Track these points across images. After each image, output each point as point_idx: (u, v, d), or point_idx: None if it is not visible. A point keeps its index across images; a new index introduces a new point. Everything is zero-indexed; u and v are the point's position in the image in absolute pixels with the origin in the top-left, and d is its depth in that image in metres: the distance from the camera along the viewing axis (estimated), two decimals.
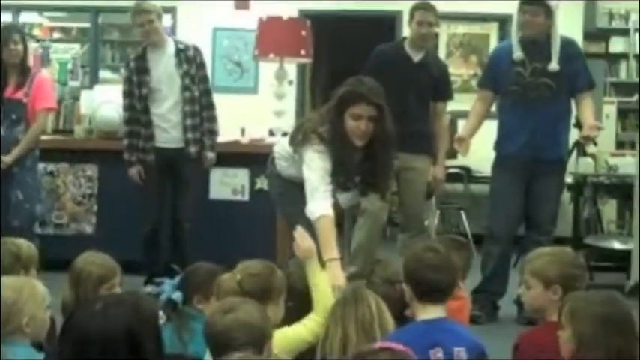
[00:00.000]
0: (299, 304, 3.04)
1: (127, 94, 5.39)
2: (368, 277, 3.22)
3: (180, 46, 5.38)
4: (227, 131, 5.85)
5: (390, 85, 4.21)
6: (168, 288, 3.15)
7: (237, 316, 2.33)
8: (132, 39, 8.81)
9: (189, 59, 5.35)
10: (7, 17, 8.81)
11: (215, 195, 5.94)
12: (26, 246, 3.40)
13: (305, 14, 7.74)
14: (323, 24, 7.38)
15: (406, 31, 5.51)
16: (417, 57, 5.20)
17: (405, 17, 5.72)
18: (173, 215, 5.40)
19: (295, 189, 3.76)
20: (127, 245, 4.80)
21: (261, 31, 6.28)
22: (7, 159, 5.20)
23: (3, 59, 5.15)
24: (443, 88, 5.29)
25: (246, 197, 5.80)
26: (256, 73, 8.08)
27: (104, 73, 8.44)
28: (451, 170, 6.87)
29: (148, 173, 5.37)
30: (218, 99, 5.60)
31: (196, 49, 5.43)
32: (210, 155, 5.39)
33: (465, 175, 7.61)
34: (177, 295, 3.10)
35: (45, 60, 8.42)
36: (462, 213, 7.38)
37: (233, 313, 2.34)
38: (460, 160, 6.87)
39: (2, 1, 8.26)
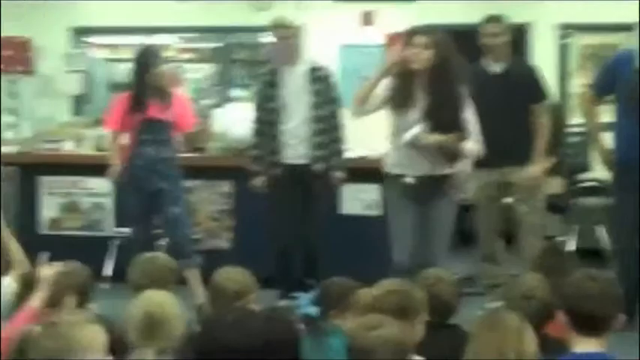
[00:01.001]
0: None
1: (257, 107, 5.55)
2: (506, 293, 3.21)
3: (313, 65, 5.50)
4: (356, 147, 5.92)
5: (476, 103, 4.40)
6: (304, 303, 3.22)
7: (381, 334, 2.36)
8: (260, 58, 9.07)
9: (320, 78, 5.46)
10: (140, 39, 9.22)
11: (346, 210, 6.03)
12: (168, 260, 3.58)
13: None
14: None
15: (536, 44, 5.48)
16: (497, 69, 5.23)
17: (534, 30, 5.69)
18: (304, 230, 5.49)
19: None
20: (261, 260, 4.94)
21: (388, 46, 6.33)
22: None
23: (147, 81, 5.25)
24: (533, 91, 5.27)
25: (378, 211, 5.85)
26: None
27: (235, 92, 8.65)
28: (587, 184, 6.71)
29: (276, 188, 5.48)
30: (348, 115, 5.66)
31: (328, 70, 5.54)
32: (339, 175, 5.48)
33: (602, 187, 7.36)
34: (313, 310, 3.17)
35: (175, 81, 8.70)
36: (600, 228, 7.11)
37: (377, 331, 2.37)
38: (596, 173, 6.70)
39: (137, 25, 8.69)
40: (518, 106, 5.26)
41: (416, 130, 4.43)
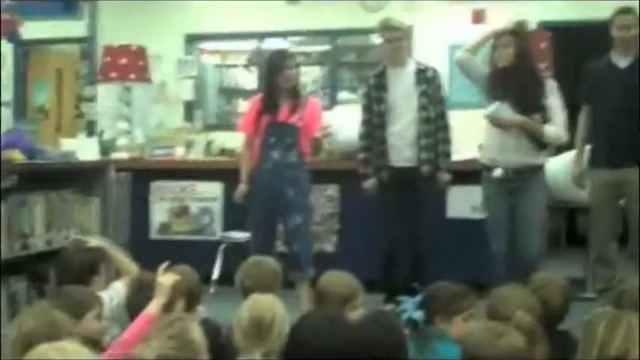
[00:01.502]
0: None
1: (365, 109, 5.53)
2: (617, 302, 3.07)
3: (420, 67, 5.46)
4: (464, 148, 5.82)
5: (600, 98, 4.42)
6: (410, 307, 3.17)
7: (509, 343, 2.30)
8: (368, 60, 9.04)
9: (427, 80, 5.41)
10: (252, 45, 9.36)
11: (453, 213, 5.96)
12: (274, 263, 3.59)
13: (545, 26, 7.57)
14: (564, 35, 7.15)
15: None
16: (623, 63, 5.03)
17: None
18: (411, 233, 5.44)
19: None
20: (367, 264, 4.93)
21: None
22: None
23: (278, 84, 5.23)
24: None
25: (484, 215, 5.73)
26: None
27: (343, 94, 8.66)
28: None
29: (382, 191, 5.45)
30: (455, 115, 5.61)
31: (435, 72, 5.48)
32: (446, 177, 5.40)
33: None
34: (419, 315, 3.12)
35: None
36: None
37: (505, 339, 2.31)
38: None
39: (247, 30, 8.82)
40: None
41: (496, 105, 4.87)
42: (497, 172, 4.95)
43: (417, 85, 5.38)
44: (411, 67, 5.44)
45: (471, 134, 6.21)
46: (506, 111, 4.87)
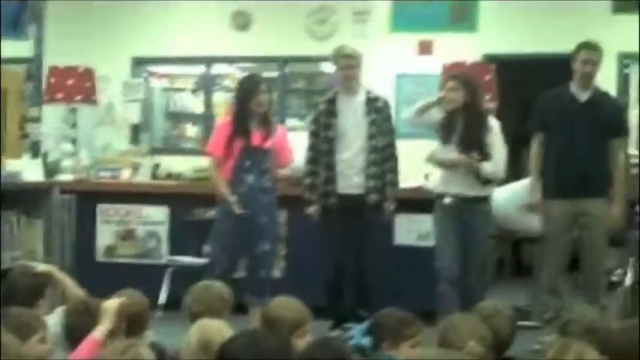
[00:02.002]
0: None
1: (313, 134, 5.56)
2: (563, 330, 3.13)
3: (371, 96, 5.51)
4: (411, 177, 5.89)
5: (558, 128, 4.57)
6: (358, 333, 3.21)
7: None
8: (317, 87, 9.10)
9: (377, 109, 5.47)
10: (200, 69, 9.36)
11: (401, 240, 6.01)
12: (223, 288, 3.58)
13: (489, 58, 7.72)
14: (508, 67, 7.31)
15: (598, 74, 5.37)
16: (583, 97, 5.14)
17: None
18: (357, 260, 5.47)
19: None
20: (314, 290, 4.93)
21: (445, 76, 6.32)
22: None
23: (250, 109, 5.22)
24: (615, 125, 5.18)
25: (432, 243, 5.80)
26: None
27: (291, 121, 8.70)
28: None
29: (329, 217, 5.47)
30: (402, 144, 5.67)
31: (386, 102, 5.55)
32: (392, 206, 5.46)
33: None
34: (366, 341, 3.15)
35: None
36: None
37: None
38: None
39: (196, 55, 8.83)
40: (600, 138, 5.14)
41: (436, 148, 5.21)
42: (447, 200, 5.13)
43: (367, 114, 5.44)
44: (361, 96, 5.49)
45: (417, 163, 6.30)
46: (448, 152, 5.11)
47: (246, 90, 5.28)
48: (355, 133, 5.42)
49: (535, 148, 5.27)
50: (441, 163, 5.17)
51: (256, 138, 5.25)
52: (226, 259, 5.24)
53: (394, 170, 5.49)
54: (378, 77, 7.94)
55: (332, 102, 5.52)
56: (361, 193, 5.41)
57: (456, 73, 5.45)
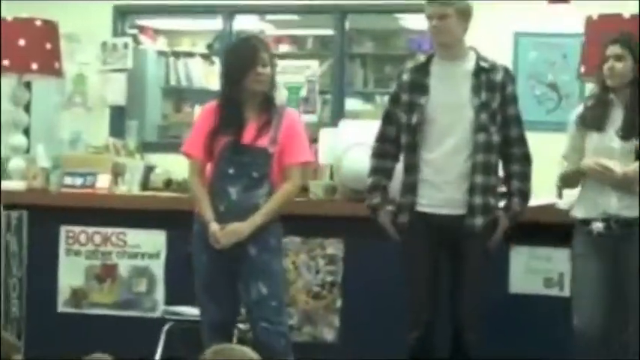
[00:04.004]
0: None
1: (387, 118, 5.56)
2: None
3: (484, 64, 5.45)
4: (536, 190, 5.89)
5: None
6: None
7: None
8: (393, 52, 9.12)
9: (493, 85, 5.41)
10: (216, 24, 9.43)
11: (518, 288, 6.04)
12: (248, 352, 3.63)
13: None
14: None
15: None
16: None
17: None
18: (452, 317, 5.46)
19: None
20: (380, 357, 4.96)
21: (590, 38, 6.30)
22: (244, 227, 5.28)
23: (243, 87, 5.28)
24: None
25: (566, 292, 5.79)
26: (582, 100, 8.03)
27: (352, 103, 8.74)
28: None
29: (409, 246, 5.48)
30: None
31: (507, 73, 5.51)
32: (506, 226, 5.42)
33: None
34: None
35: None
36: None
37: None
38: None
39: (207, 2, 8.92)
40: None
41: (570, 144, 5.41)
42: (596, 226, 5.19)
43: (476, 93, 5.39)
44: (468, 64, 5.45)
45: (544, 169, 6.27)
46: (604, 145, 5.27)
47: (238, 59, 5.34)
48: (454, 119, 5.41)
49: None
50: (595, 170, 5.23)
51: (249, 132, 5.30)
52: (214, 308, 5.34)
53: (524, 177, 5.48)
54: (488, 37, 7.93)
55: (422, 71, 5.50)
56: (460, 215, 5.39)
57: (616, 36, 5.41)
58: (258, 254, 5.29)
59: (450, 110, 5.40)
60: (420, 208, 5.41)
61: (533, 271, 6.07)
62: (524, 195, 5.49)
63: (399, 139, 5.50)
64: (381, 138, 5.59)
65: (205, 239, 5.28)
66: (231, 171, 5.28)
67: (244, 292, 5.32)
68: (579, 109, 5.48)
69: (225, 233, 5.21)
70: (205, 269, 5.34)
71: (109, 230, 6.70)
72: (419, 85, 5.46)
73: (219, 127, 5.30)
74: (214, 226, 5.22)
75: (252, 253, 5.29)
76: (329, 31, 9.18)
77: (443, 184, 5.40)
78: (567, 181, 5.56)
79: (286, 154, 5.35)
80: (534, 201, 5.85)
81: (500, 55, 7.12)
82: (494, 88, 5.41)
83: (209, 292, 5.36)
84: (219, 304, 5.34)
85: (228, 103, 5.34)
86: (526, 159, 5.50)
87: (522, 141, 5.51)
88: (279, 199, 5.32)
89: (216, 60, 9.72)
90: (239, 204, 5.28)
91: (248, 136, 5.29)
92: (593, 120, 5.30)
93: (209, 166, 5.37)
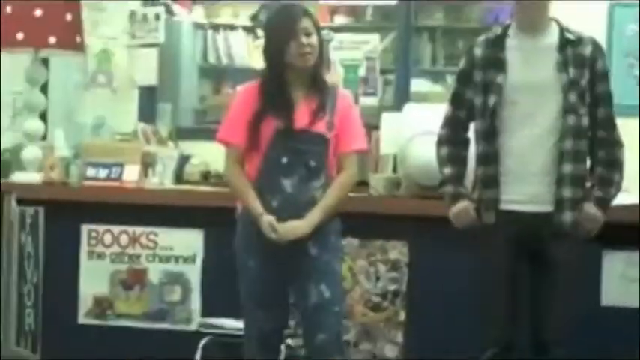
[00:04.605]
0: None
1: (456, 99, 5.53)
2: None
3: (570, 36, 5.43)
4: (635, 185, 5.84)
5: None
6: None
7: None
8: (468, 24, 9.09)
9: (582, 60, 5.39)
10: None
11: (612, 299, 6.02)
12: None
13: None
14: None
15: None
16: None
17: None
18: (534, 330, 5.44)
19: None
20: None
21: None
22: (304, 227, 5.28)
23: (287, 63, 5.28)
24: None
25: None
26: None
27: (419, 83, 8.71)
28: None
29: (494, 251, 5.43)
30: (619, 126, 5.60)
31: (597, 45, 5.47)
32: (594, 213, 5.36)
33: None
34: None
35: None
36: None
37: None
38: None
39: None
40: None
41: None
42: None
43: (562, 69, 5.35)
44: (552, 37, 5.43)
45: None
46: None
47: (276, 30, 5.34)
48: (539, 100, 5.38)
49: None
50: None
51: (301, 116, 5.29)
52: (263, 316, 5.33)
53: (613, 164, 5.40)
54: (577, 7, 7.87)
55: (498, 45, 5.48)
56: (545, 212, 5.36)
57: None
58: (319, 253, 5.30)
59: (534, 90, 5.36)
60: (504, 206, 5.39)
61: (630, 279, 6.05)
62: (610, 185, 5.40)
63: (469, 125, 5.49)
64: (451, 123, 5.56)
65: (252, 240, 5.29)
66: (284, 160, 5.27)
67: (301, 296, 5.33)
68: None
69: (282, 228, 5.20)
70: (253, 274, 5.34)
71: (137, 230, 6.74)
72: (495, 60, 5.43)
73: (263, 110, 5.29)
74: (268, 217, 5.21)
75: (312, 252, 5.30)
76: (392, 0, 9.16)
77: (529, 176, 5.37)
78: None
79: (342, 141, 5.36)
80: (632, 198, 5.81)
81: (593, 28, 7.09)
82: (582, 64, 5.37)
83: (257, 298, 5.36)
84: (269, 312, 5.35)
85: (272, 83, 5.33)
86: (615, 144, 5.43)
87: (610, 123, 5.44)
88: (337, 193, 5.33)
89: (262, 34, 9.71)
90: (295, 198, 5.28)
91: (301, 120, 5.28)
92: None
93: (253, 156, 5.34)
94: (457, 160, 5.53)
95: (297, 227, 5.21)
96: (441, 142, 5.59)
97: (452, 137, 5.56)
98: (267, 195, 5.28)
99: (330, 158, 5.33)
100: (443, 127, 5.58)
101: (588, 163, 5.43)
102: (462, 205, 5.44)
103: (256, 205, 5.25)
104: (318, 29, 5.37)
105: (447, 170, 5.53)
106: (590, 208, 5.33)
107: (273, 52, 5.31)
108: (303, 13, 5.33)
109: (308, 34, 5.25)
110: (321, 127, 5.28)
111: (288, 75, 5.30)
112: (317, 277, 5.28)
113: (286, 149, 5.26)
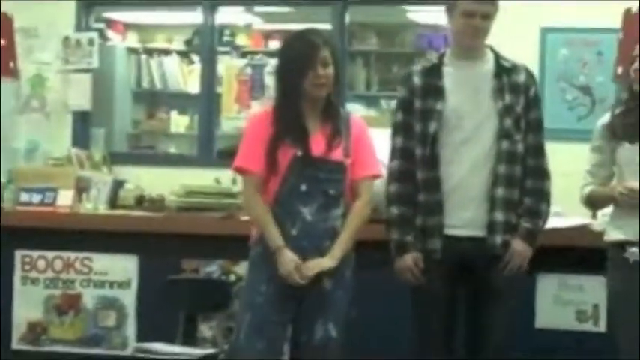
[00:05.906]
0: None
1: (400, 128, 5.52)
2: None
3: (505, 63, 5.48)
4: (568, 209, 5.88)
5: None
6: None
7: None
8: (401, 49, 9.13)
9: (517, 87, 5.44)
10: (196, 17, 9.44)
11: (546, 322, 6.05)
12: None
13: None
14: None
15: None
16: None
17: None
18: (470, 352, 5.46)
19: None
20: None
21: (627, 34, 6.32)
22: (328, 265, 5.24)
23: (303, 92, 5.24)
24: None
25: (602, 327, 5.79)
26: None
27: (354, 109, 8.72)
28: None
29: (431, 275, 5.45)
30: (551, 150, 5.65)
31: (529, 73, 5.53)
32: (521, 249, 5.41)
33: None
34: None
35: (257, 87, 8.80)
36: None
37: None
38: None
39: None
40: None
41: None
42: (633, 251, 5.16)
43: (498, 95, 5.40)
44: (487, 64, 5.48)
45: (575, 184, 6.28)
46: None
47: (298, 57, 5.29)
48: (477, 126, 5.40)
49: None
50: (626, 196, 5.19)
51: (317, 144, 5.27)
52: (263, 348, 5.26)
53: (539, 194, 5.44)
54: (511, 33, 7.93)
55: (434, 72, 5.50)
56: (480, 237, 5.39)
57: None
58: (334, 289, 5.27)
59: (472, 116, 5.39)
60: (447, 231, 5.42)
61: (564, 302, 6.09)
62: (538, 216, 5.45)
63: (416, 151, 5.49)
64: (404, 155, 5.48)
65: (268, 267, 5.23)
66: (303, 188, 5.24)
67: (305, 331, 5.28)
68: (605, 117, 5.43)
69: (306, 268, 5.17)
70: (264, 301, 5.26)
71: (71, 255, 6.72)
72: (433, 88, 5.44)
73: (278, 137, 5.25)
74: (295, 260, 5.18)
75: (327, 286, 5.25)
76: (327, 26, 9.18)
77: (467, 201, 5.40)
78: (593, 204, 5.54)
79: (357, 167, 5.33)
80: (564, 222, 5.87)
81: (525, 53, 7.16)
82: (517, 90, 5.43)
83: (262, 327, 5.26)
84: (271, 344, 5.27)
85: (287, 110, 5.30)
86: (543, 174, 5.48)
87: (540, 151, 5.48)
88: (357, 222, 5.32)
89: (196, 58, 9.70)
90: (314, 226, 5.25)
91: (317, 147, 5.25)
92: (624, 129, 5.27)
93: (269, 184, 5.29)
94: (407, 200, 5.46)
95: (322, 264, 5.19)
96: (392, 177, 5.50)
97: (405, 172, 5.50)
98: (287, 223, 5.24)
99: (348, 185, 5.32)
100: (393, 159, 5.52)
101: None
102: (407, 261, 5.41)
103: (277, 237, 5.20)
104: (336, 58, 5.33)
105: (395, 211, 5.47)
106: (518, 245, 5.36)
107: (290, 79, 5.27)
108: (323, 43, 5.30)
109: (325, 65, 5.22)
110: (338, 155, 5.26)
111: (303, 102, 5.27)
112: (326, 313, 5.24)
113: (305, 177, 5.23)
